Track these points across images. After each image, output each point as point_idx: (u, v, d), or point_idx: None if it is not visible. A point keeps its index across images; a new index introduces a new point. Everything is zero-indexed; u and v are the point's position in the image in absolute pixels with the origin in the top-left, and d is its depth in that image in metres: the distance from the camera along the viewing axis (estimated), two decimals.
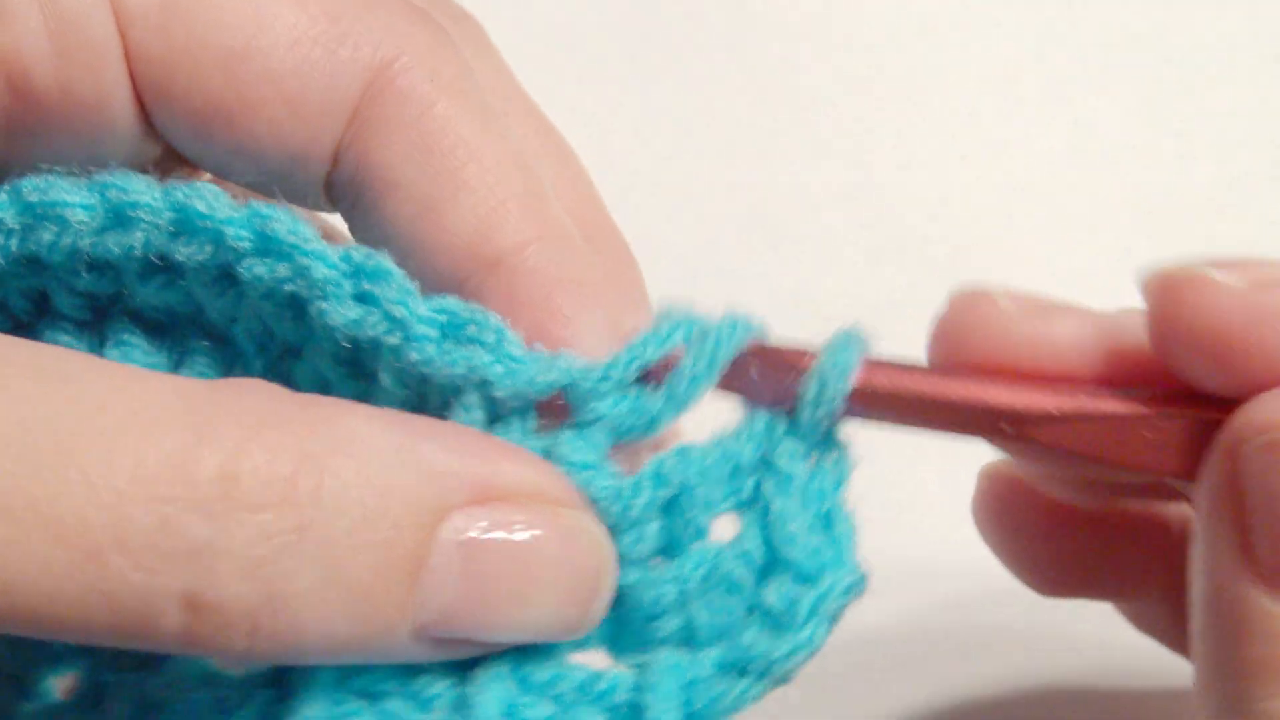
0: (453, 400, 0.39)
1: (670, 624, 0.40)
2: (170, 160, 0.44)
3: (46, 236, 0.40)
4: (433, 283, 0.40)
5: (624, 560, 0.39)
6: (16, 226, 0.40)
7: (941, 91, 0.82)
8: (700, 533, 0.40)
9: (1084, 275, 0.76)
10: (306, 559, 0.32)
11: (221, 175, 0.42)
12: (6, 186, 0.40)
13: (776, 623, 0.38)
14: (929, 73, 0.83)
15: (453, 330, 0.39)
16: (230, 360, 0.44)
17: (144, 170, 0.42)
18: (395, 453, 0.34)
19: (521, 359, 0.39)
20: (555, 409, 0.40)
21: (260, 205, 0.39)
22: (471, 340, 0.39)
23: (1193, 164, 0.79)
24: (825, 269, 0.76)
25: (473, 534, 0.35)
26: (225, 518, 0.31)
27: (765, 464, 0.40)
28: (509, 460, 0.37)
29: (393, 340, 0.39)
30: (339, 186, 0.42)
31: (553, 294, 0.40)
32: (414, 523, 0.34)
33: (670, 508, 0.40)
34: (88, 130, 0.40)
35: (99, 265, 0.41)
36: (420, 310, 0.39)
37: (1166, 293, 0.38)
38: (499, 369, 0.38)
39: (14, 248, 0.40)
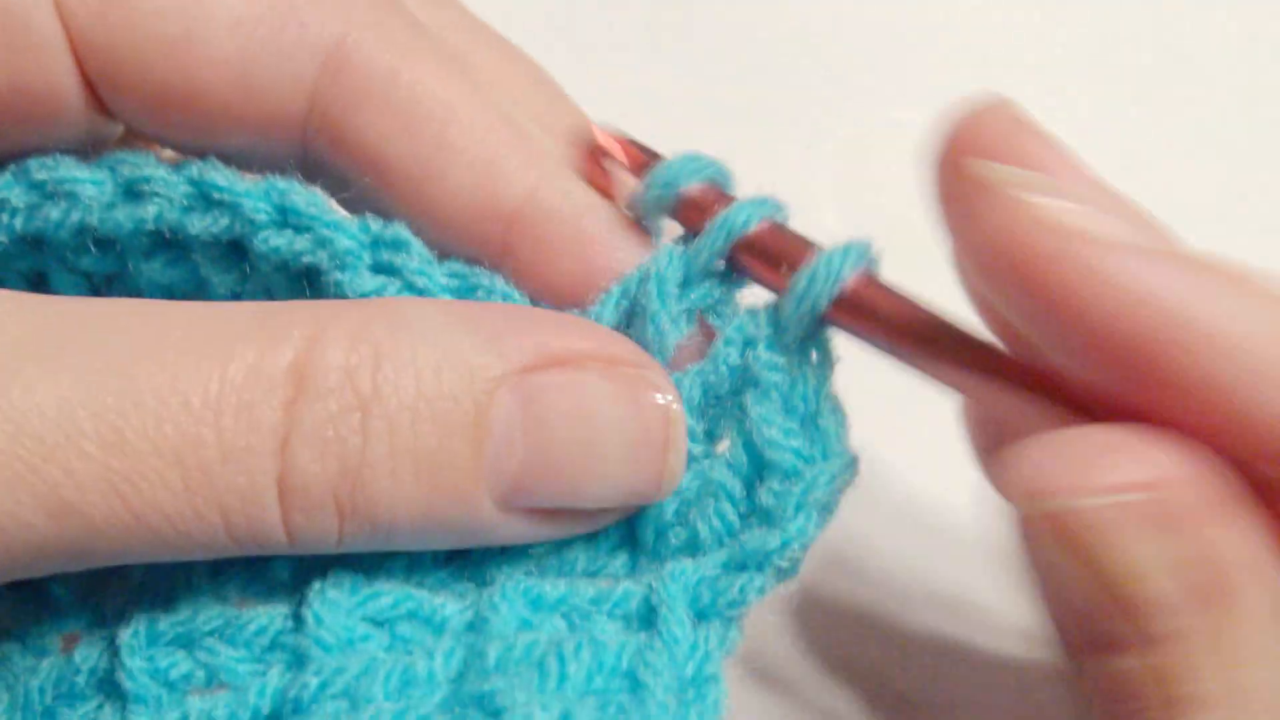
0: None
1: (676, 537, 0.40)
2: (133, 140, 0.43)
3: (53, 214, 0.40)
4: (445, 249, 0.40)
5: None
6: (21, 205, 0.40)
7: (938, 91, 0.82)
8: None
9: None
10: (372, 434, 0.34)
11: (186, 154, 0.42)
12: (11, 167, 0.40)
13: (770, 519, 0.39)
14: (926, 72, 0.83)
15: (466, 294, 0.40)
16: None
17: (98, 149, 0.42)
18: (448, 328, 0.36)
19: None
20: None
21: (276, 178, 0.40)
22: (485, 296, 0.40)
23: (1190, 164, 0.79)
24: None
25: (530, 394, 0.36)
26: (298, 407, 0.34)
27: (744, 373, 0.41)
28: (566, 327, 0.38)
29: None
30: (316, 165, 0.42)
31: (581, 227, 0.41)
32: (470, 390, 0.35)
33: None
34: (41, 121, 0.41)
35: (103, 242, 0.42)
36: (439, 278, 0.40)
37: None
38: None
39: (18, 226, 0.41)
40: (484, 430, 0.35)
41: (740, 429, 0.41)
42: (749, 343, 0.41)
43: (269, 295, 0.43)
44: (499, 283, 0.41)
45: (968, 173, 0.35)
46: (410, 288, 0.40)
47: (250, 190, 0.40)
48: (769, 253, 0.40)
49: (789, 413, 0.41)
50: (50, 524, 0.32)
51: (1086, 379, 0.35)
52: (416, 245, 0.40)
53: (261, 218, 0.40)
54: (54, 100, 0.40)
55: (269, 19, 0.40)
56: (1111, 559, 0.33)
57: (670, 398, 0.38)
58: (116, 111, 0.41)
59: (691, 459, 0.41)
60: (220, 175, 0.40)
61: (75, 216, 0.41)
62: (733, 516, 0.40)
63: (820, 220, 0.80)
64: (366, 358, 0.35)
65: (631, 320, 0.41)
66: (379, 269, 0.40)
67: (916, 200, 0.80)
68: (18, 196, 0.41)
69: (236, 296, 0.43)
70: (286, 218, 0.40)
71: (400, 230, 0.40)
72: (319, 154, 0.41)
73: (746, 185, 0.80)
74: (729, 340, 0.41)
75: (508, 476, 0.36)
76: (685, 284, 0.41)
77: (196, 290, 0.44)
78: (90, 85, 0.40)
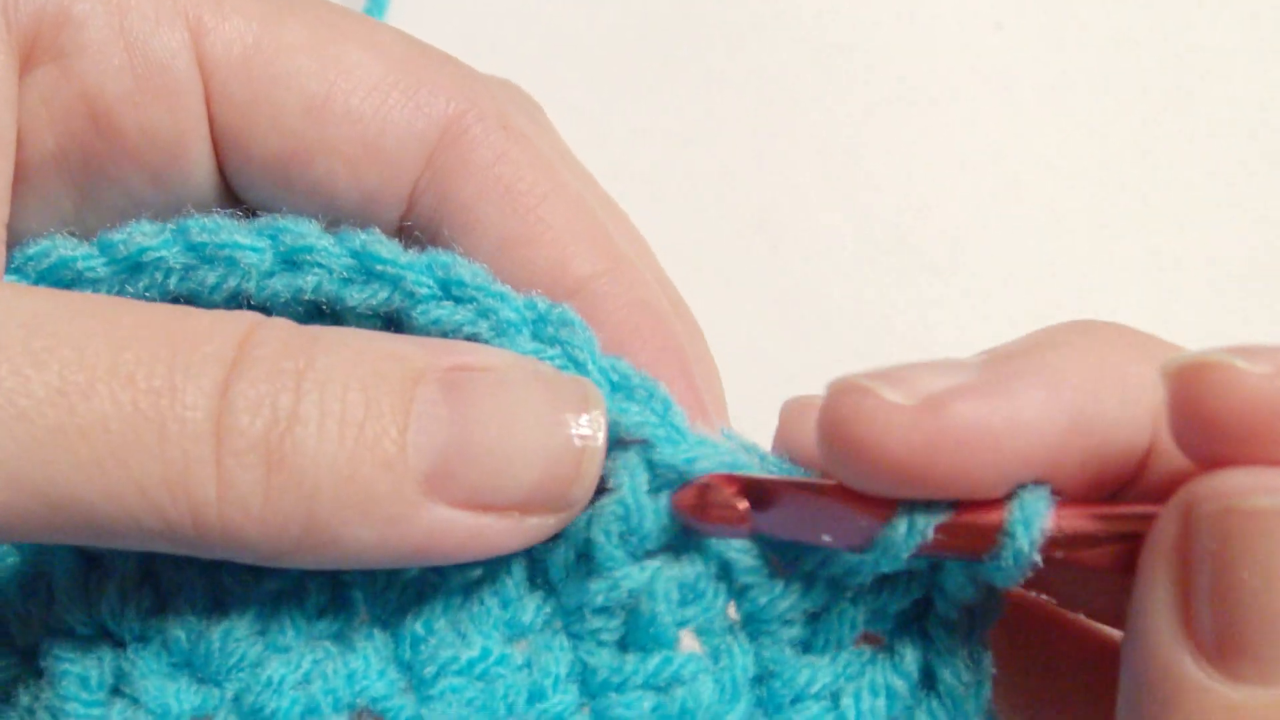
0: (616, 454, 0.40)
1: (811, 710, 0.40)
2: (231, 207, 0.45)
3: (210, 278, 0.41)
4: None
5: (771, 635, 0.41)
6: (177, 266, 0.41)
7: (940, 94, 0.83)
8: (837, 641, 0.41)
9: (1081, 274, 0.77)
10: (304, 394, 0.36)
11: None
12: (171, 226, 0.41)
13: None
14: (929, 76, 0.83)
15: (623, 387, 0.40)
16: None
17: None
18: (386, 336, 0.38)
19: (684, 432, 0.40)
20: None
21: (438, 252, 0.41)
22: (641, 401, 0.40)
23: (1190, 163, 0.79)
24: (824, 270, 0.76)
25: (454, 383, 0.37)
26: (238, 368, 0.36)
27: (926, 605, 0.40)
28: (494, 349, 0.40)
29: None
30: (412, 229, 0.44)
31: (630, 316, 0.44)
32: (399, 371, 0.37)
33: (816, 618, 0.41)
34: (163, 172, 0.42)
35: (256, 307, 0.41)
36: (601, 361, 0.40)
37: (1188, 378, 0.35)
38: (663, 432, 0.39)
39: (171, 286, 0.41)
40: (408, 405, 0.37)
41: (915, 645, 0.40)
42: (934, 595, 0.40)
43: None
44: (662, 390, 0.41)
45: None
46: (571, 359, 0.41)
47: (414, 264, 0.41)
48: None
49: (968, 648, 0.40)
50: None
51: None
52: (580, 324, 0.41)
53: (423, 291, 0.41)
54: (179, 147, 0.42)
55: (403, 84, 0.43)
56: None
57: (591, 422, 0.39)
58: (235, 171, 0.43)
59: (841, 645, 0.41)
60: (384, 248, 0.41)
61: (232, 282, 0.41)
62: (882, 713, 0.40)
63: (828, 222, 0.81)
64: (305, 338, 0.37)
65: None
66: (539, 339, 0.41)
67: (914, 205, 0.80)
68: (175, 257, 0.41)
69: None
70: (449, 290, 0.41)
71: (567, 310, 0.41)
72: (419, 218, 0.44)
73: (757, 192, 0.80)
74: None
75: (429, 455, 0.37)
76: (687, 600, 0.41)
77: None
78: (216, 144, 0.42)
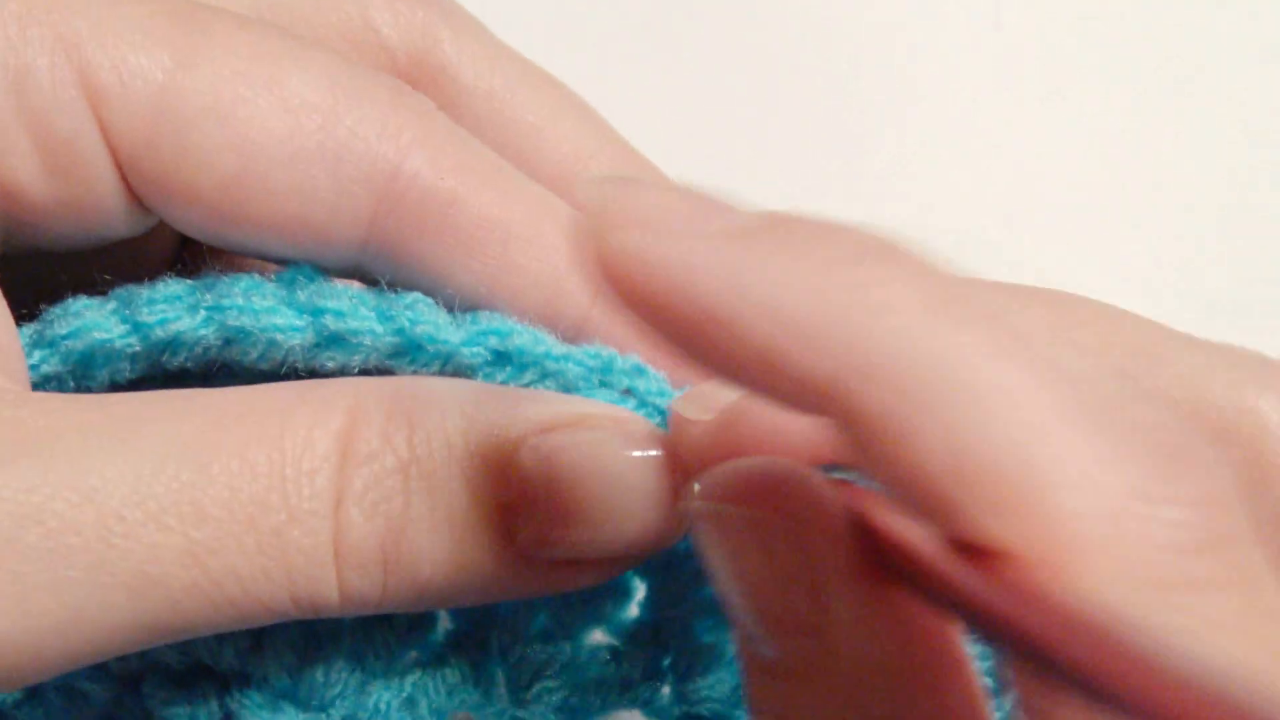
0: None
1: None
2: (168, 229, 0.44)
3: (252, 353, 0.40)
4: None
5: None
6: (216, 343, 0.40)
7: (939, 93, 0.83)
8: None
9: (1081, 274, 0.76)
10: (413, 494, 0.37)
11: (235, 254, 0.43)
12: (205, 305, 0.40)
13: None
14: (928, 76, 0.83)
15: None
16: None
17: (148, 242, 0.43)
18: (471, 396, 0.38)
19: None
20: None
21: (489, 319, 0.40)
22: None
23: (1191, 162, 0.79)
24: None
25: (548, 451, 0.38)
26: (346, 472, 0.36)
27: None
28: (575, 398, 0.40)
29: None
30: (372, 271, 0.42)
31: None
32: (494, 450, 0.37)
33: None
34: (89, 227, 0.41)
35: (305, 369, 0.41)
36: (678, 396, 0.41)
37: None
38: None
39: (213, 355, 0.41)
40: (507, 487, 0.37)
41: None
42: None
43: None
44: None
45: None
46: (652, 408, 0.41)
47: (468, 339, 0.40)
48: None
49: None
50: (131, 601, 0.34)
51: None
52: (651, 373, 0.41)
53: (478, 362, 0.40)
54: (100, 213, 0.41)
55: (323, 153, 0.40)
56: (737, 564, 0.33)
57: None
58: (165, 219, 0.41)
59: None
60: (431, 325, 0.40)
61: (277, 356, 0.40)
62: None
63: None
64: (402, 425, 0.37)
65: None
66: (609, 387, 0.41)
67: (913, 204, 0.80)
68: (214, 335, 0.40)
69: None
70: (509, 359, 0.40)
71: (636, 360, 0.41)
72: (376, 269, 0.42)
73: (755, 192, 0.80)
74: None
75: (530, 530, 0.37)
76: None
77: None
78: (137, 203, 0.41)
